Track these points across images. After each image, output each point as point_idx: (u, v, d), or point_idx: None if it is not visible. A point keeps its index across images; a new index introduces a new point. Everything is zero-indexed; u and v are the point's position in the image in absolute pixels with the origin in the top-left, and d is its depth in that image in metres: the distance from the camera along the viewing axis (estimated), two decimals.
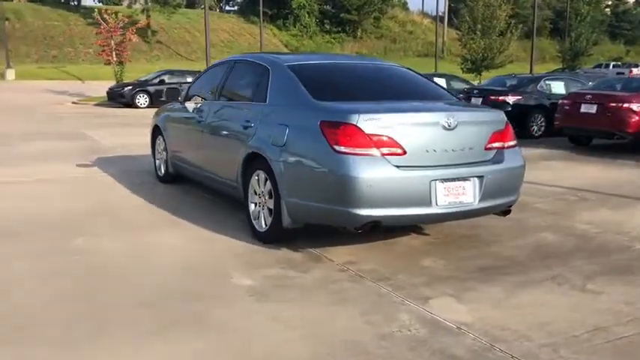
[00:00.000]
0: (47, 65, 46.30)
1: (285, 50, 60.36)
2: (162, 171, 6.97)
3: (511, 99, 13.18)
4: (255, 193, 4.67)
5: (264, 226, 4.59)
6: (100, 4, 64.42)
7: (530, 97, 13.42)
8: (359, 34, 65.87)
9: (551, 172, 8.45)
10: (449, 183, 4.10)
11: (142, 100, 21.79)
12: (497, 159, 4.37)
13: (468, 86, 16.95)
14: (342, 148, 3.88)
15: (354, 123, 3.89)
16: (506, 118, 4.55)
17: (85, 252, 4.39)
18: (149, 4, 55.80)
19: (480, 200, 4.23)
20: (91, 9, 45.77)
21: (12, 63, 39.98)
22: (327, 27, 65.71)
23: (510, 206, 4.55)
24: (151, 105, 20.89)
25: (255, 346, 2.96)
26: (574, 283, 3.93)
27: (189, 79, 22.60)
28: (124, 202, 6.05)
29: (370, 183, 3.84)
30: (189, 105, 5.98)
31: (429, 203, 4.02)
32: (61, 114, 17.70)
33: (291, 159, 4.23)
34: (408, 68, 5.44)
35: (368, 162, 3.87)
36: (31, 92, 27.02)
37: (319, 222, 4.27)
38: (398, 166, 3.94)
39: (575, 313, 3.43)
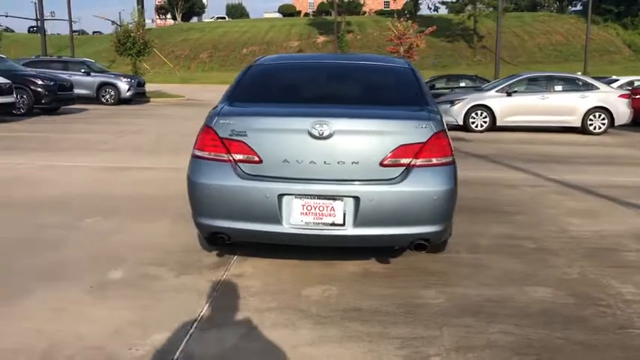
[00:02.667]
0: None
1: (626, 51, 53.46)
2: None
3: None
4: None
5: None
6: (436, 13, 67.21)
7: None
8: None
9: None
10: (309, 200, 3.46)
11: None
12: (400, 178, 3.48)
13: None
14: (197, 152, 3.66)
15: (211, 125, 3.62)
16: (435, 129, 3.56)
17: (73, 228, 5.06)
18: (477, 9, 55.80)
19: (357, 226, 3.45)
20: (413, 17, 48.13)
21: None
22: None
23: (426, 240, 3.56)
24: None
25: None
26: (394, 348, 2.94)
27: (463, 84, 22.20)
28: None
29: (209, 190, 3.53)
30: None
31: (277, 220, 3.47)
32: None
33: None
34: (411, 69, 4.57)
35: (213, 167, 3.56)
36: None
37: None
38: (248, 175, 3.52)
39: None
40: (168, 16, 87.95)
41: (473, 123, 14.49)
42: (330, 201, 3.46)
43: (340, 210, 3.45)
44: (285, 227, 3.48)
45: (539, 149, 11.34)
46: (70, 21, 39.48)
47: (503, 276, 4.04)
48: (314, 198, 3.46)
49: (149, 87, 25.66)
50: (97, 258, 4.28)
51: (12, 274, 3.95)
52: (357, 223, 3.45)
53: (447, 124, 3.87)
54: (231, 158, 3.55)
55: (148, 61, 54.42)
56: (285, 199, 3.47)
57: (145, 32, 27.26)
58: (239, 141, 3.54)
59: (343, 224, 3.46)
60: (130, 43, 26.39)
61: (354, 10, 72.01)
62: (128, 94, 22.37)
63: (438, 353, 2.92)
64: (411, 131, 3.52)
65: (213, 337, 3.07)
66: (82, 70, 22.41)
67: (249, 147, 3.53)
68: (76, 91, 21.25)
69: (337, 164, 3.48)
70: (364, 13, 77.88)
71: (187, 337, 3.05)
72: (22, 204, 5.93)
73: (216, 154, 3.57)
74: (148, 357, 2.84)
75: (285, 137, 3.52)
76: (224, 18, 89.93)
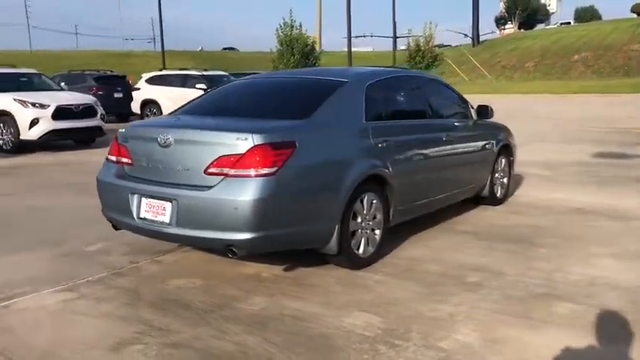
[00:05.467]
0: None
1: None
2: None
3: None
4: None
5: None
6: None
7: None
8: None
9: None
10: (152, 200, 3.97)
11: None
12: (214, 186, 3.73)
13: None
14: (107, 155, 4.52)
15: (116, 134, 4.44)
16: (257, 142, 3.67)
17: None
18: None
19: (178, 226, 3.83)
20: None
21: None
22: None
23: (232, 245, 3.70)
24: None
25: None
26: None
27: None
28: None
29: (101, 185, 4.37)
30: None
31: (131, 215, 4.09)
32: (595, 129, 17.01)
33: None
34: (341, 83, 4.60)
35: (107, 167, 4.40)
36: None
37: None
38: (126, 175, 4.23)
39: None
40: (509, 25, 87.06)
41: None
42: (163, 202, 3.93)
43: (169, 210, 3.90)
44: (136, 221, 4.10)
45: None
46: (395, 37, 43.11)
47: (368, 301, 3.81)
48: (154, 198, 3.99)
49: None
50: (106, 236, 5.45)
51: (32, 235, 5.45)
52: (178, 223, 3.85)
53: None
54: (119, 160, 4.34)
55: (469, 72, 55.29)
56: (136, 197, 4.09)
57: (433, 47, 28.23)
58: (124, 146, 4.30)
59: (170, 224, 3.91)
60: (420, 57, 27.77)
61: None
62: None
63: (147, 343, 3.21)
64: (232, 143, 3.74)
65: (44, 297, 3.91)
66: None
67: (128, 151, 4.26)
68: None
69: (174, 170, 3.95)
70: None
71: (31, 295, 3.96)
72: None
73: (111, 156, 4.42)
74: None
75: (144, 144, 4.15)
76: (569, 23, 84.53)
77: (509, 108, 25.00)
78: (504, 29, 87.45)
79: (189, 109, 4.82)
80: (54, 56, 50.20)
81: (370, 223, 4.47)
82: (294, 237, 3.96)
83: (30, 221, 6.20)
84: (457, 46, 71.42)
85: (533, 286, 4.08)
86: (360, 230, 4.37)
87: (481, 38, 69.23)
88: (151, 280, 4.24)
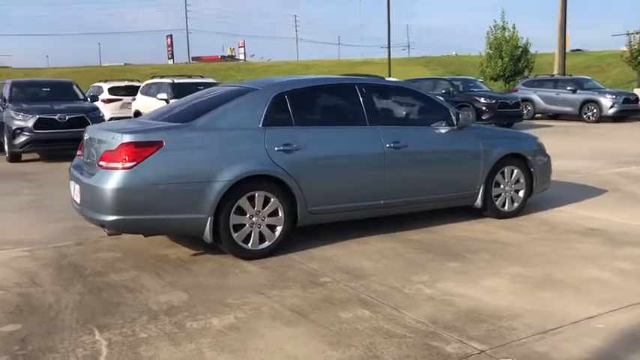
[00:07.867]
0: None
1: None
2: None
3: None
4: None
5: None
6: None
7: None
8: None
9: None
10: (76, 185, 4.95)
11: None
12: (94, 175, 4.59)
13: None
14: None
15: None
16: (122, 140, 4.43)
17: None
18: None
19: (81, 206, 4.77)
20: None
21: None
22: None
23: (103, 225, 4.50)
24: None
25: None
26: None
27: None
28: None
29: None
30: None
31: (71, 197, 5.14)
32: None
33: None
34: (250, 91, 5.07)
35: (75, 160, 5.49)
36: None
37: None
38: (76, 165, 5.30)
39: None
40: None
41: None
42: (78, 186, 4.90)
43: (79, 194, 4.86)
44: (73, 203, 5.14)
45: None
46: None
47: (203, 284, 4.30)
48: (77, 184, 4.97)
49: None
50: None
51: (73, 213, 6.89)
52: (82, 204, 4.80)
53: None
54: (79, 154, 5.44)
55: None
56: (72, 182, 5.13)
57: None
58: (82, 143, 5.39)
59: (79, 204, 4.87)
60: None
61: None
62: (610, 111, 21.42)
63: (8, 291, 4.21)
64: (110, 141, 4.57)
65: (6, 253, 5.16)
66: (569, 88, 22.79)
67: (81, 148, 5.33)
68: (560, 108, 22.44)
69: (87, 161, 4.91)
70: None
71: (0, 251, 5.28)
72: None
73: (79, 150, 5.52)
74: None
75: (85, 141, 5.16)
76: None
77: None
78: None
79: (150, 115, 5.78)
80: (304, 66, 55.46)
81: (265, 219, 4.85)
82: (163, 223, 4.61)
83: None
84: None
85: (369, 292, 4.08)
86: (248, 225, 4.78)
87: None
88: (91, 251, 5.23)
